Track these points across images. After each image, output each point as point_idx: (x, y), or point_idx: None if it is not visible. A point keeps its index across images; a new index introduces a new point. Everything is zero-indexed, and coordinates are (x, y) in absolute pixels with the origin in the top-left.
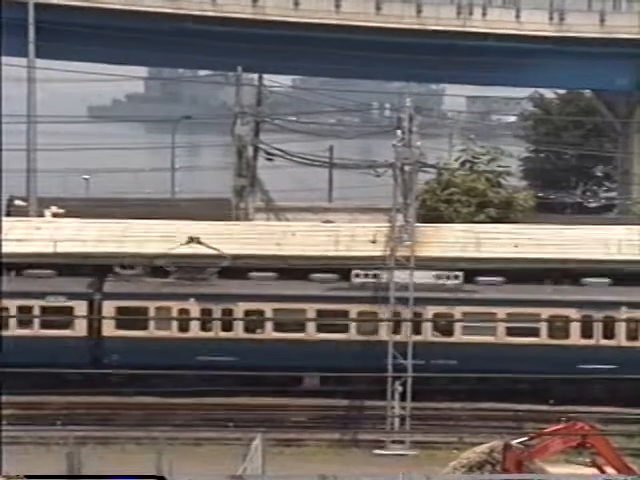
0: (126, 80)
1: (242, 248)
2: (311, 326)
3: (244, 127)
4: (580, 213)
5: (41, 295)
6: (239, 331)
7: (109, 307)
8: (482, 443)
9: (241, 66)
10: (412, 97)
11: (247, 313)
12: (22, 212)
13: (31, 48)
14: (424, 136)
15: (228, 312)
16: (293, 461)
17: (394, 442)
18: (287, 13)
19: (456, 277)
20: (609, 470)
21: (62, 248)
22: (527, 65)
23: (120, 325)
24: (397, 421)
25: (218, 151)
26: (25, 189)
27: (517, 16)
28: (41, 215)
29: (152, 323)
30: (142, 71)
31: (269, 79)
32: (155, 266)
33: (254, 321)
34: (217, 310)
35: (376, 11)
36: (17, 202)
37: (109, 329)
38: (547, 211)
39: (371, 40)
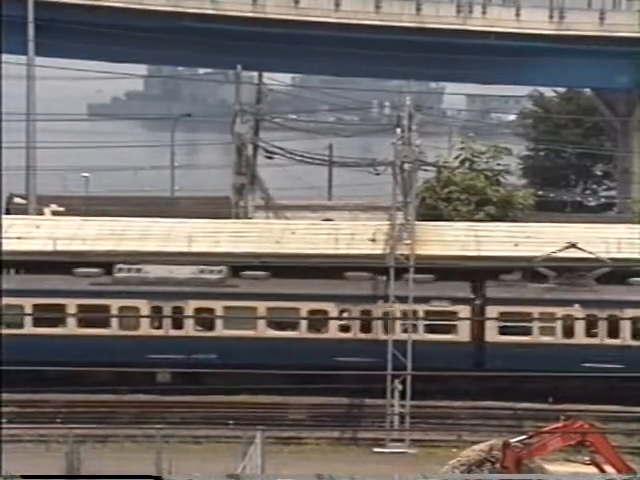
0: (126, 78)
1: (241, 246)
2: None
3: (244, 125)
4: (580, 211)
5: (425, 299)
6: (626, 338)
7: (492, 312)
8: (481, 441)
9: (241, 64)
10: (412, 95)
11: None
12: (22, 210)
13: (31, 46)
14: (424, 134)
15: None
16: (293, 459)
17: (394, 440)
18: (287, 11)
19: None
20: (608, 469)
21: (62, 246)
22: (527, 63)
23: (503, 331)
24: (397, 419)
25: (218, 149)
26: (25, 187)
27: (517, 14)
28: (41, 213)
29: (535, 329)
30: (142, 69)
31: (269, 77)
32: (533, 270)
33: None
34: (602, 316)
35: (375, 9)
36: (17, 200)
37: (492, 334)
38: (547, 209)
39: (370, 38)
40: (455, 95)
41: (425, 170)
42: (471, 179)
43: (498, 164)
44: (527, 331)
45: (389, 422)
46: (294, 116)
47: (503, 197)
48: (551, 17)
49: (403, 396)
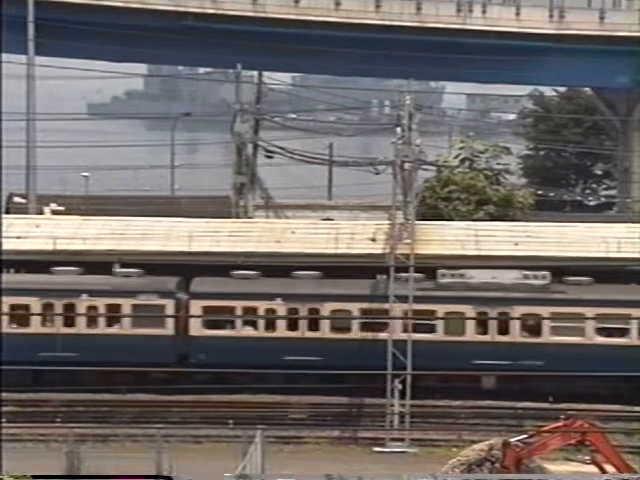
0: (126, 77)
1: (241, 246)
2: None
3: (244, 125)
4: (580, 211)
5: None
6: None
7: None
8: (481, 441)
9: (241, 63)
10: (412, 95)
11: None
12: (21, 209)
13: (31, 45)
14: (424, 134)
15: None
16: (292, 459)
17: (394, 440)
18: (287, 11)
19: None
20: (608, 468)
21: (62, 246)
22: (527, 63)
23: None
24: (397, 419)
25: (218, 149)
26: (25, 186)
27: (517, 13)
28: (40, 212)
29: None
30: (142, 68)
31: (269, 77)
32: None
33: None
34: None
35: (375, 9)
36: (17, 199)
37: None
38: (547, 209)
39: (370, 38)
40: (455, 95)
41: (425, 169)
42: (471, 178)
43: (498, 163)
44: None
45: (389, 421)
46: (294, 116)
47: (503, 196)
48: (551, 16)
49: (403, 395)
